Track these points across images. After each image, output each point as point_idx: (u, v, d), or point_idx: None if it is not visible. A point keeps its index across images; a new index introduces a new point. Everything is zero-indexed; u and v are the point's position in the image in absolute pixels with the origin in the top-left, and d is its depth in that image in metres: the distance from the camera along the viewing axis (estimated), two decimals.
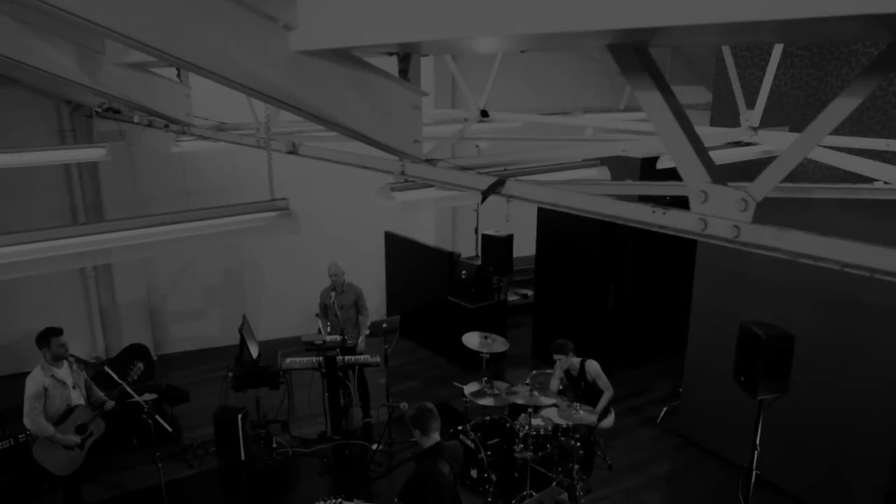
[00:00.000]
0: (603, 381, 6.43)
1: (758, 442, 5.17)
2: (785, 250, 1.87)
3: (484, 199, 2.73)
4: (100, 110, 6.51)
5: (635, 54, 2.11)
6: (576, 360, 6.51)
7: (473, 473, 6.18)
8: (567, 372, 6.64)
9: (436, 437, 4.20)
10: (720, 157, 4.33)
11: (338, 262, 7.44)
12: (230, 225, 2.89)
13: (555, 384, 6.73)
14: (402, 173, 3.21)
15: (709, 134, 4.72)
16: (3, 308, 8.54)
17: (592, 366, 6.47)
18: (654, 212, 2.19)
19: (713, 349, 6.78)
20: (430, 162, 3.18)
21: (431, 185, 3.32)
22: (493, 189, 2.67)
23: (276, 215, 3.08)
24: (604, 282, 8.43)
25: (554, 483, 5.84)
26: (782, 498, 6.19)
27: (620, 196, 2.43)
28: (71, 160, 7.69)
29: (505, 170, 3.42)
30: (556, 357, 6.48)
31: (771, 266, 6.10)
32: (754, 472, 5.25)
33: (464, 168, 3.10)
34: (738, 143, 4.76)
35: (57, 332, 5.27)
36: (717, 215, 2.01)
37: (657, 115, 2.12)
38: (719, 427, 6.84)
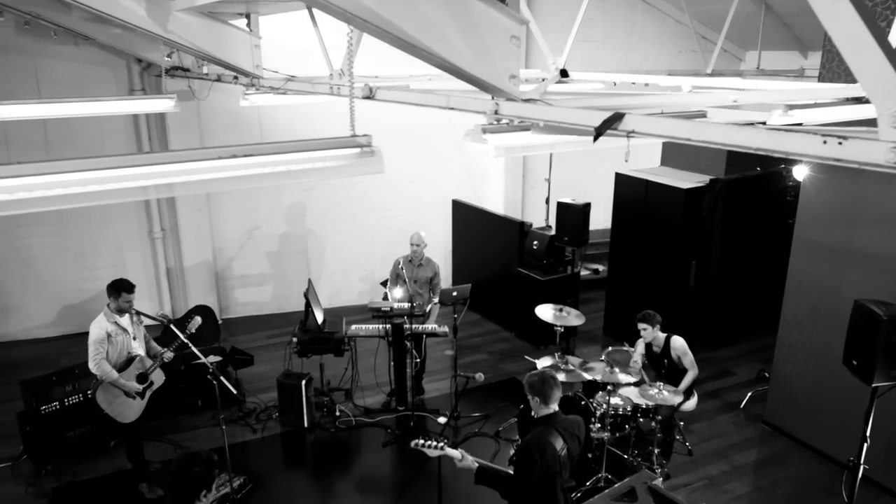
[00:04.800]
0: (688, 360, 5.98)
1: (868, 434, 4.67)
2: None
3: (597, 136, 2.36)
4: (168, 59, 6.37)
5: None
6: (661, 335, 6.07)
7: None
8: (648, 348, 6.21)
9: (553, 407, 3.87)
10: (836, 114, 3.85)
11: (421, 232, 7.14)
12: (306, 161, 2.58)
13: (638, 360, 6.29)
14: (496, 113, 2.86)
15: (821, 90, 4.20)
16: (75, 268, 8.65)
17: (678, 342, 6.01)
18: (825, 142, 1.78)
19: (809, 330, 6.22)
20: (527, 101, 2.82)
21: (527, 129, 2.96)
22: (610, 124, 2.29)
23: (358, 153, 2.76)
24: (685, 257, 7.90)
25: (635, 466, 5.47)
26: (888, 499, 5.62)
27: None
28: (140, 111, 7.78)
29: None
30: (641, 328, 6.01)
31: (881, 240, 5.51)
32: (861, 468, 4.74)
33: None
34: (857, 100, 4.22)
35: (130, 287, 5.40)
36: None
37: (837, 19, 1.70)
38: (812, 415, 6.29)
